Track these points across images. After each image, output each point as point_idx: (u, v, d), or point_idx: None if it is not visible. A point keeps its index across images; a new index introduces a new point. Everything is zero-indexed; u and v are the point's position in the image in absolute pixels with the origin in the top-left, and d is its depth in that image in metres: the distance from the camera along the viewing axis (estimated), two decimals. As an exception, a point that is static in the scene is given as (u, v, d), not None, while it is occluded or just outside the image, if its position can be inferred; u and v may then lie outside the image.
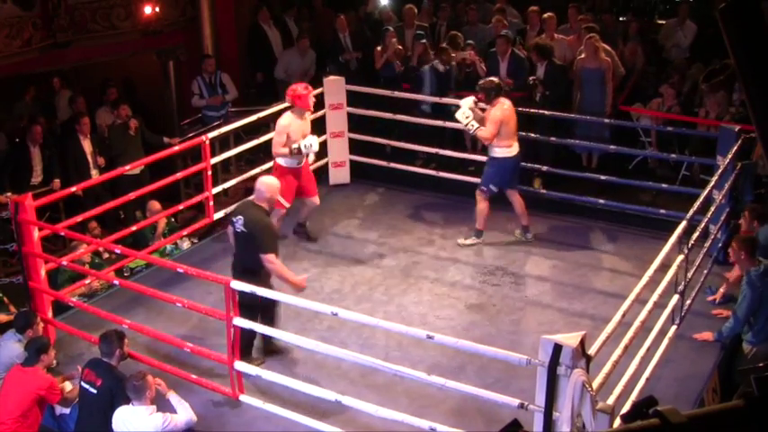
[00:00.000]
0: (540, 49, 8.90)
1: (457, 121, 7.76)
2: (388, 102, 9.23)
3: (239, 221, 5.89)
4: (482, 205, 7.83)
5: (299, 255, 7.84)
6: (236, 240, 5.99)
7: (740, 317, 5.93)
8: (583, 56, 9.09)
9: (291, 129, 7.39)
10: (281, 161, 7.53)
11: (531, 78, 9.02)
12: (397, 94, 9.13)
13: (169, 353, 6.18)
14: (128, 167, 7.78)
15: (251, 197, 6.23)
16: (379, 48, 9.97)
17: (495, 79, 7.84)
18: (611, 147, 8.37)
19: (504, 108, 7.55)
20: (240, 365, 5.57)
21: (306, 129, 7.55)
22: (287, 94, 7.54)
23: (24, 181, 8.69)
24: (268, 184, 6.10)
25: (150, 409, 5.07)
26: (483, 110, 7.70)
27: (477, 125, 7.54)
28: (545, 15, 9.88)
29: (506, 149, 7.67)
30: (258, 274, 5.76)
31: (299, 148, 7.37)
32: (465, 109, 7.56)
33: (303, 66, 10.73)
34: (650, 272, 5.27)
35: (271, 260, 5.75)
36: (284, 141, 7.36)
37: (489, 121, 7.54)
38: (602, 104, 8.97)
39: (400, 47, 9.98)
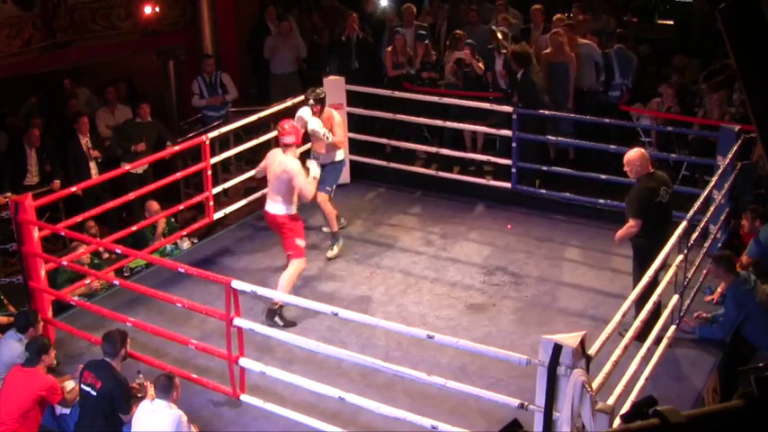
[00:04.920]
0: (518, 56, 8.85)
1: (313, 134, 7.56)
2: (390, 102, 9.25)
3: (665, 190, 6.09)
4: (329, 208, 7.77)
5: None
6: (662, 211, 6.08)
7: (723, 331, 6.16)
8: (549, 50, 9.20)
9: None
10: (294, 209, 6.82)
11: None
12: (397, 93, 9.14)
13: (170, 352, 6.18)
14: (128, 167, 7.80)
15: (645, 173, 6.10)
16: (389, 48, 9.98)
17: (321, 90, 7.72)
18: (612, 146, 8.37)
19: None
20: (244, 362, 5.57)
21: None
22: (289, 132, 6.69)
23: (19, 182, 8.69)
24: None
25: (170, 405, 5.11)
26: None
27: (330, 133, 7.52)
28: (555, 17, 9.90)
29: (344, 152, 8.03)
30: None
31: (314, 178, 6.89)
32: (315, 119, 7.43)
33: (292, 49, 10.74)
34: (650, 272, 5.28)
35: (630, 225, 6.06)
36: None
37: (338, 126, 7.68)
38: (566, 98, 9.20)
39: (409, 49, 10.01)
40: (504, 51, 9.04)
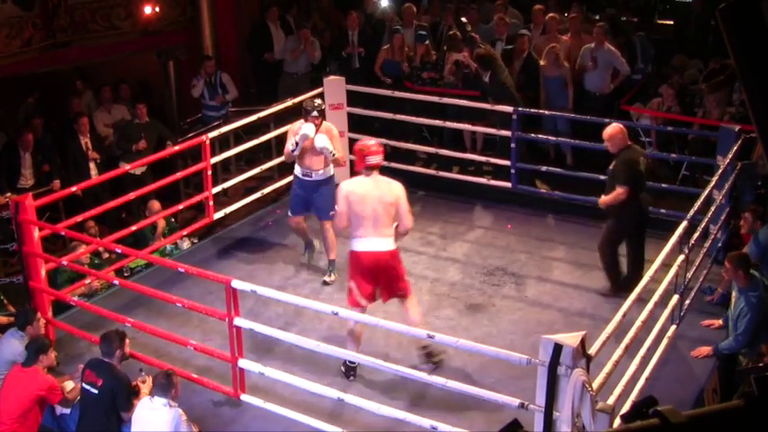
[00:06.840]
0: (482, 60, 8.81)
1: (320, 151, 6.96)
2: (390, 101, 9.25)
3: (643, 160, 6.73)
4: (333, 235, 7.16)
5: (300, 256, 7.82)
6: (642, 178, 6.74)
7: (741, 339, 5.87)
8: (543, 63, 9.18)
9: None
10: None
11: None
12: (398, 93, 9.14)
13: (170, 352, 6.18)
14: (128, 167, 7.79)
15: (624, 146, 6.68)
16: (386, 47, 9.97)
17: (321, 101, 7.35)
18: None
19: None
20: (243, 363, 5.57)
21: None
22: (377, 151, 5.94)
23: (12, 184, 8.62)
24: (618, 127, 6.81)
25: (169, 403, 5.09)
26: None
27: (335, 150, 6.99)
28: (547, 16, 9.90)
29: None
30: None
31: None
32: (322, 136, 6.89)
33: (311, 52, 10.72)
34: (650, 272, 5.28)
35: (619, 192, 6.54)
36: None
37: (337, 140, 7.12)
38: (564, 109, 9.21)
39: (407, 48, 10.00)
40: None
